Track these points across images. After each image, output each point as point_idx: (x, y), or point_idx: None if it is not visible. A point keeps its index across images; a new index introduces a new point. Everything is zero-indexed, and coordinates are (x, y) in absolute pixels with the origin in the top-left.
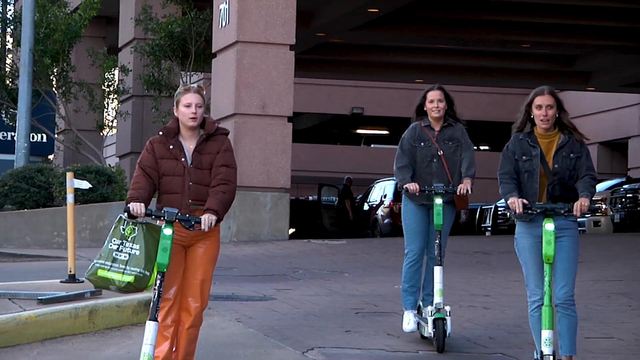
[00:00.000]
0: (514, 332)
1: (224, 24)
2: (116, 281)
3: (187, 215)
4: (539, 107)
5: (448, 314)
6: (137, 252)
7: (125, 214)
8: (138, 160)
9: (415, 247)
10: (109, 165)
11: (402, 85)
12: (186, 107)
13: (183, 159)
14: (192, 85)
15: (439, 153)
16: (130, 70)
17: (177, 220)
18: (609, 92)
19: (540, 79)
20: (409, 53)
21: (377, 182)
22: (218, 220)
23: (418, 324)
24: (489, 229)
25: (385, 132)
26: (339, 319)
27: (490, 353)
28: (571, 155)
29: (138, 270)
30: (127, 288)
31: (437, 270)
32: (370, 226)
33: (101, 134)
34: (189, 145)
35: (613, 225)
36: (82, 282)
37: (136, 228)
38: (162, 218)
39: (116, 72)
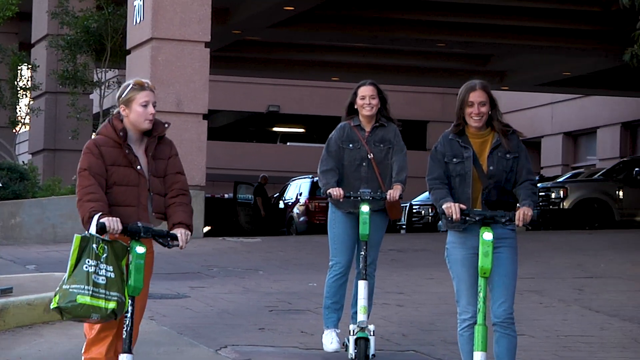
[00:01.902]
0: (427, 330)
1: (138, 20)
2: (102, 309)
3: (165, 231)
4: (471, 104)
5: (372, 334)
6: (112, 275)
7: (93, 230)
8: (83, 167)
9: (342, 259)
10: (22, 162)
11: (318, 84)
12: (143, 106)
13: (139, 167)
14: (145, 81)
15: (369, 156)
16: (38, 66)
17: (151, 237)
18: (523, 92)
19: (455, 77)
20: (325, 51)
21: (293, 180)
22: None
23: (344, 343)
24: (404, 227)
25: (301, 130)
26: (253, 317)
27: (403, 350)
28: (507, 155)
29: (118, 294)
30: (110, 316)
31: (362, 285)
32: (286, 224)
33: (14, 130)
34: (136, 149)
35: None
36: None
37: (106, 247)
38: (137, 235)
39: (25, 68)
